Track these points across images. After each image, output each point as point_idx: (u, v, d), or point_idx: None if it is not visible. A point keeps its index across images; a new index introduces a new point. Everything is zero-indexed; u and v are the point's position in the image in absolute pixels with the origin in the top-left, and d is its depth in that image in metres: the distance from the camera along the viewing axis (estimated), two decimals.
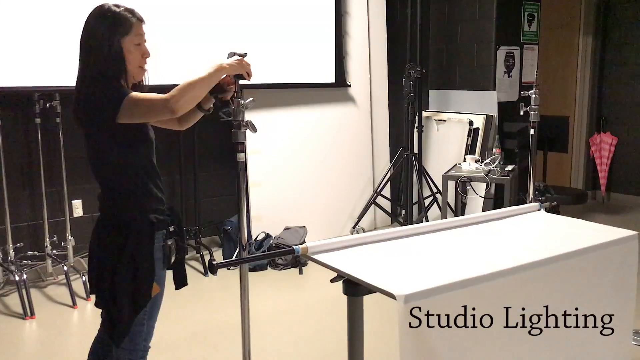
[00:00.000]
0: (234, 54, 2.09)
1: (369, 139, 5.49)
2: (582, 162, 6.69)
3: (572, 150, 6.58)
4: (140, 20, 2.04)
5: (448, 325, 1.68)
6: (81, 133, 2.06)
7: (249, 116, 2.19)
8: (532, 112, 3.31)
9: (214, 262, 1.84)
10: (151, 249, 2.01)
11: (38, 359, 3.19)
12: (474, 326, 1.74)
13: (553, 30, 6.18)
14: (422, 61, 5.30)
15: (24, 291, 3.67)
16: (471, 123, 5.31)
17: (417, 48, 5.27)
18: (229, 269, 4.37)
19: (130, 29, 1.99)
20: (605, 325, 2.16)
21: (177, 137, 4.70)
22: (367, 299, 1.78)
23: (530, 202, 3.00)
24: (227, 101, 2.17)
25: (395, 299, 1.58)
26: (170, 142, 4.72)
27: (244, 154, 2.17)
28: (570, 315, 2.03)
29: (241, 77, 2.11)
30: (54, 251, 4.14)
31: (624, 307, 2.24)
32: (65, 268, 3.95)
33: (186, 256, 2.24)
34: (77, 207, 4.38)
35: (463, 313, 1.71)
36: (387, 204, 5.49)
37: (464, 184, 4.70)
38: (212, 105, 2.22)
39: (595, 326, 2.13)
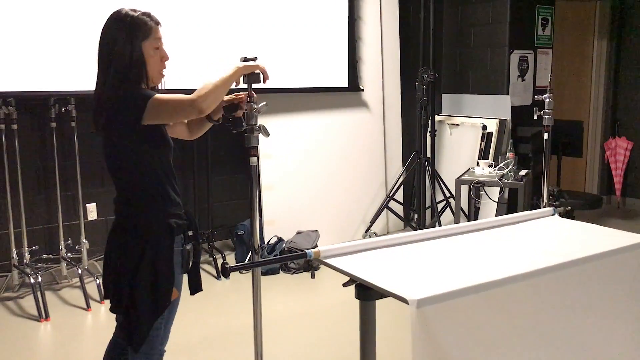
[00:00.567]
0: (245, 58, 2.11)
1: (381, 143, 5.48)
2: (596, 166, 6.63)
3: (587, 155, 6.53)
4: (158, 24, 2.06)
5: (461, 331, 1.67)
6: (99, 138, 2.07)
7: (261, 120, 2.20)
8: (546, 117, 3.29)
9: (227, 266, 1.84)
10: (171, 253, 2.01)
11: None
12: (486, 331, 1.73)
13: (567, 34, 6.14)
14: (435, 65, 5.29)
15: (38, 293, 3.71)
16: (484, 127, 5.29)
17: (430, 52, 5.26)
18: (241, 272, 4.39)
19: (149, 32, 2.01)
20: (620, 332, 2.14)
21: (190, 141, 4.72)
22: (380, 304, 1.77)
23: (544, 206, 2.98)
24: (238, 118, 2.20)
25: (408, 304, 1.58)
26: (183, 146, 4.74)
27: (256, 158, 2.18)
28: (585, 321, 2.01)
29: (256, 79, 2.11)
30: (69, 254, 4.17)
31: (639, 313, 2.21)
32: (79, 271, 3.98)
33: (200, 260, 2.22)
34: (92, 211, 4.42)
35: (475, 318, 1.70)
36: (399, 209, 5.48)
37: (477, 188, 4.68)
38: (221, 116, 2.24)
39: (610, 332, 2.11)
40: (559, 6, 5.69)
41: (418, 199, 5.27)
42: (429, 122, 5.23)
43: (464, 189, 4.62)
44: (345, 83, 5.14)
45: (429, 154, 5.24)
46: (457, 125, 5.58)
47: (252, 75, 2.11)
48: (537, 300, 1.87)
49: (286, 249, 4.60)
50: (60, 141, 4.15)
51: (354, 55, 5.17)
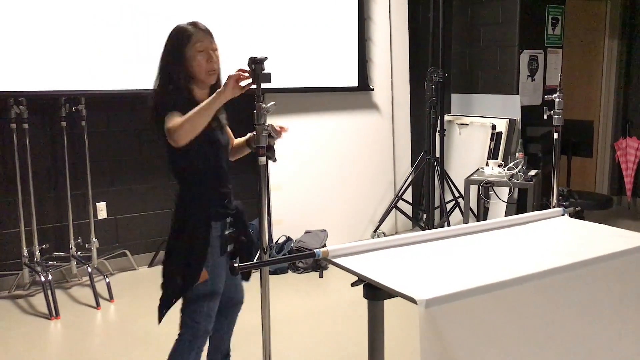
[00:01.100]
0: (254, 59, 2.10)
1: (390, 142, 5.47)
2: (607, 167, 6.59)
3: (597, 155, 6.48)
4: (202, 30, 2.26)
5: (469, 331, 1.67)
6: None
7: (270, 120, 2.20)
8: (556, 116, 3.27)
9: (235, 265, 1.85)
10: (207, 236, 2.20)
11: (63, 359, 3.23)
12: (495, 332, 1.73)
13: (578, 34, 6.11)
14: (445, 65, 5.28)
15: (49, 292, 3.73)
16: (494, 127, 5.27)
17: (440, 52, 5.25)
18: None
19: (190, 38, 2.21)
20: (630, 333, 2.13)
21: None
22: (388, 303, 1.77)
23: (553, 207, 2.97)
24: (271, 147, 2.29)
25: (416, 304, 1.58)
26: None
27: (265, 157, 2.18)
28: (594, 322, 2.00)
29: (267, 79, 2.12)
30: (79, 253, 4.20)
31: None
32: (89, 269, 4.01)
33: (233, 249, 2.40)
34: (102, 210, 4.44)
35: (484, 319, 1.70)
36: (408, 208, 5.47)
37: (486, 188, 4.66)
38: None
39: (619, 333, 2.09)
40: (569, 5, 5.66)
41: (427, 198, 5.26)
42: (438, 121, 5.21)
43: (473, 189, 4.61)
44: (354, 83, 5.14)
45: (438, 154, 5.23)
46: (467, 125, 5.56)
47: (263, 75, 2.11)
48: (546, 301, 1.86)
49: (294, 248, 4.60)
50: (70, 140, 4.18)
51: (363, 55, 5.16)
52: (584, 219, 2.73)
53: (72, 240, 4.17)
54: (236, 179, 5.02)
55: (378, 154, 5.38)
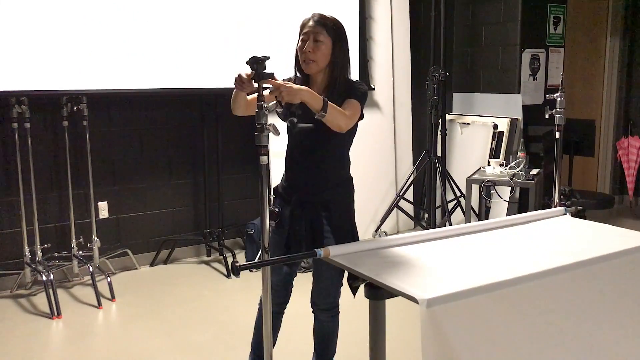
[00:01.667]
0: (255, 58, 2.09)
1: (391, 142, 5.47)
2: (609, 166, 6.58)
3: (599, 154, 6.48)
4: (312, 19, 2.44)
5: (470, 330, 1.66)
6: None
7: (272, 119, 2.20)
8: (558, 116, 3.26)
9: (237, 264, 1.85)
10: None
11: (64, 358, 3.24)
12: (496, 331, 1.73)
13: (579, 33, 6.10)
14: (446, 64, 5.28)
15: (50, 291, 3.74)
16: (495, 126, 5.27)
17: (441, 51, 5.24)
18: (251, 271, 4.39)
19: (302, 28, 2.45)
20: (632, 333, 2.13)
21: (201, 139, 4.74)
22: (389, 303, 1.77)
23: (555, 206, 2.96)
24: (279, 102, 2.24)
25: (418, 303, 1.58)
26: (194, 144, 4.76)
27: (266, 157, 2.18)
28: (596, 321, 2.00)
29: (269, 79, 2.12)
30: (80, 252, 4.20)
31: None
32: (90, 269, 4.01)
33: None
34: (103, 209, 4.44)
35: (486, 318, 1.70)
36: (410, 208, 5.47)
37: (488, 187, 4.66)
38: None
39: (621, 332, 2.09)
40: (571, 4, 5.65)
41: (428, 198, 5.25)
42: (440, 121, 5.21)
43: (475, 189, 4.60)
44: None
45: (439, 153, 5.23)
46: (468, 124, 5.56)
47: (265, 75, 2.11)
48: (547, 300, 1.86)
49: None
50: (72, 140, 4.18)
51: (364, 54, 5.16)
52: (585, 219, 2.73)
53: (73, 240, 4.18)
54: (238, 177, 5.05)
55: (379, 153, 5.38)
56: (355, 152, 5.66)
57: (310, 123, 2.37)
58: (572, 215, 2.66)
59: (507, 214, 5.02)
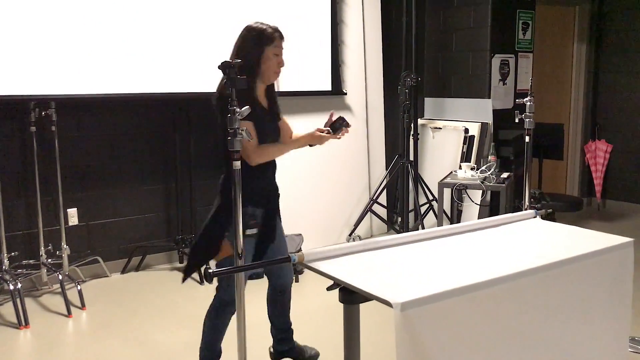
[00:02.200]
0: (227, 63, 2.08)
1: (364, 146, 5.49)
2: (577, 169, 6.71)
3: (568, 158, 6.60)
4: (281, 37, 2.68)
5: (444, 333, 1.67)
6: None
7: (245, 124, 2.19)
8: (527, 120, 3.31)
9: (210, 271, 1.83)
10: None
11: None
12: (470, 333, 1.74)
13: (547, 38, 6.21)
14: (418, 69, 5.32)
15: (18, 300, 3.65)
16: (466, 131, 5.33)
17: (413, 56, 5.29)
18: None
19: (273, 41, 2.62)
20: (601, 333, 2.16)
21: (172, 145, 4.70)
22: (364, 307, 1.77)
23: (525, 209, 3.00)
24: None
25: (392, 307, 1.58)
26: (166, 150, 4.71)
27: (239, 162, 2.17)
28: (566, 322, 2.03)
29: (241, 84, 2.12)
30: (49, 260, 4.12)
31: (619, 314, 2.24)
32: (60, 277, 3.94)
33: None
34: (73, 216, 4.37)
35: (459, 320, 1.71)
36: (383, 212, 5.49)
37: (459, 191, 4.70)
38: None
39: (591, 333, 2.13)
40: (539, 11, 5.75)
41: (401, 202, 5.28)
42: (412, 125, 5.25)
43: (447, 192, 4.64)
44: (328, 87, 5.15)
45: (412, 157, 5.26)
46: (440, 128, 5.61)
47: (237, 80, 2.10)
48: (519, 302, 1.88)
49: None
50: (40, 145, 4.10)
51: (337, 58, 5.18)
52: (555, 221, 2.77)
53: (42, 248, 4.10)
54: (210, 183, 5.00)
55: (353, 158, 5.39)
56: (329, 156, 5.67)
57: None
58: (542, 217, 2.70)
59: (479, 217, 5.08)
